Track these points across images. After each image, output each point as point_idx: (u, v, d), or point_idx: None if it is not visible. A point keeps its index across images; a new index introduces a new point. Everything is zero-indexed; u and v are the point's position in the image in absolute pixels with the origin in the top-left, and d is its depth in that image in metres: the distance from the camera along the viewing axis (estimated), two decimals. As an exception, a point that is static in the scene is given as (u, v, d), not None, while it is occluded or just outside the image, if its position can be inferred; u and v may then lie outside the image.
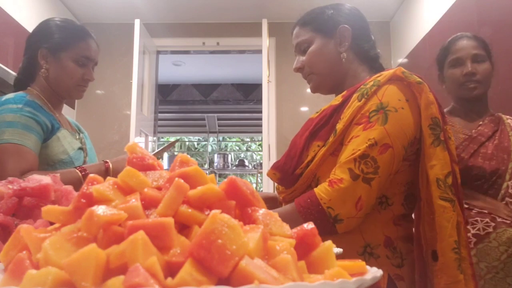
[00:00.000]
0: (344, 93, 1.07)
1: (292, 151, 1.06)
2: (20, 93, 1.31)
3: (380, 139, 0.94)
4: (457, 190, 0.99)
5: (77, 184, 0.73)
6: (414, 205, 1.05)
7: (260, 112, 3.39)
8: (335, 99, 1.09)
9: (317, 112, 1.10)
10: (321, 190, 0.94)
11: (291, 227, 0.43)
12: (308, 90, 1.26)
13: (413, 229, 1.05)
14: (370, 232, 0.99)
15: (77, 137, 1.43)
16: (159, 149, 1.45)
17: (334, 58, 1.13)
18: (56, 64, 1.35)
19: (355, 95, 1.02)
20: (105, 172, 1.25)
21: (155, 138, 4.09)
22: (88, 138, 1.53)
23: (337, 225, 0.93)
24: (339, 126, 1.00)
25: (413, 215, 1.07)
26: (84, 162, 1.37)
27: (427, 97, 0.98)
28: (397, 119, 0.96)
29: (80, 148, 1.39)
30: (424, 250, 0.98)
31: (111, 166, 1.26)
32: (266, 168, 3.25)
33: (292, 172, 1.03)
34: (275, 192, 1.19)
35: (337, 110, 1.05)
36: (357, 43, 1.15)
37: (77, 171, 1.21)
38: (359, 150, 0.94)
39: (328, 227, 0.93)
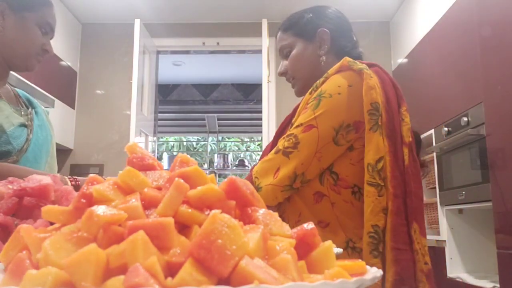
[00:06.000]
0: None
1: (265, 151, 1.16)
2: None
3: (307, 121, 1.01)
4: (404, 175, 0.96)
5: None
6: None
7: (260, 112, 3.39)
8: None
9: None
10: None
11: None
12: (308, 90, 1.26)
13: None
14: (349, 227, 1.01)
15: (23, 112, 1.21)
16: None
17: (314, 62, 1.18)
18: (17, 24, 1.11)
19: (309, 90, 1.09)
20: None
21: (155, 138, 4.09)
22: (41, 114, 1.28)
23: (259, 193, 0.95)
24: (294, 120, 1.08)
25: None
26: (27, 140, 1.15)
27: (367, 83, 1.00)
28: (329, 103, 1.01)
29: (23, 125, 1.16)
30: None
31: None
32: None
33: None
34: None
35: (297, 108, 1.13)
36: (338, 45, 1.18)
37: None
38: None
39: None
